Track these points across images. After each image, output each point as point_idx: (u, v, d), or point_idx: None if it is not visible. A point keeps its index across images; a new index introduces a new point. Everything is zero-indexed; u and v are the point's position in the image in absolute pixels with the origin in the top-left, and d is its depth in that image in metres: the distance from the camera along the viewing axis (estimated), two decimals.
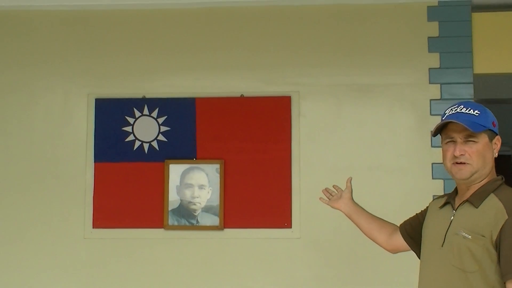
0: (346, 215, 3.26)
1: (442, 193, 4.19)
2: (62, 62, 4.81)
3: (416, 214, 3.08)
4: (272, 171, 4.64)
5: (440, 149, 4.09)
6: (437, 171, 4.49)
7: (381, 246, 3.17)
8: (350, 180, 3.30)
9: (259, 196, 4.61)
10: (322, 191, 3.34)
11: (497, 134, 2.78)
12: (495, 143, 2.76)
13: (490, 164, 2.74)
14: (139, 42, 4.80)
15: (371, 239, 3.20)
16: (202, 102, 4.72)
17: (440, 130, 2.80)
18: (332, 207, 3.28)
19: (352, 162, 4.55)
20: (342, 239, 4.51)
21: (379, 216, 3.25)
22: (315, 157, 4.64)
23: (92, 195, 4.70)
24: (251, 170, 4.65)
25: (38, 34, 4.86)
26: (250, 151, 4.66)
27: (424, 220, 2.93)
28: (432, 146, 4.51)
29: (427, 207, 2.99)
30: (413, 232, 3.00)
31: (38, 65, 4.81)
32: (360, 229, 3.22)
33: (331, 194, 3.31)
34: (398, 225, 3.12)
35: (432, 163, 4.52)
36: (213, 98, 4.73)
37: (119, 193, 4.69)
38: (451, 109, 2.79)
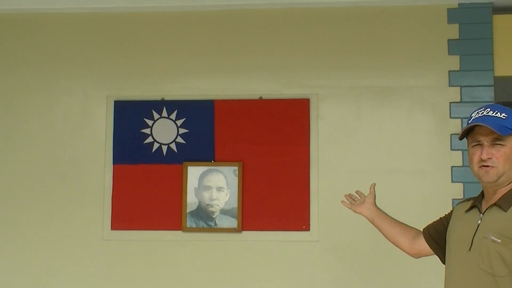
0: (369, 219, 3.23)
1: (461, 197, 4.30)
2: (82, 64, 4.84)
3: (440, 218, 3.05)
4: (291, 173, 4.63)
5: (460, 152, 4.40)
6: (456, 174, 4.48)
7: (404, 250, 3.14)
8: (373, 186, 3.27)
9: (277, 199, 4.61)
10: (345, 196, 3.32)
11: None
12: None
13: None
14: (159, 45, 4.82)
15: (394, 243, 3.17)
16: (220, 104, 4.73)
17: (467, 133, 2.77)
18: (354, 211, 3.27)
19: (371, 165, 4.54)
20: (361, 242, 4.50)
21: (398, 220, 3.23)
22: (333, 160, 4.63)
23: (111, 197, 4.73)
24: (270, 173, 4.65)
25: (57, 37, 4.89)
26: (269, 153, 4.66)
27: (448, 224, 2.89)
28: (451, 149, 4.50)
29: (451, 211, 2.95)
30: (437, 236, 2.97)
31: (59, 67, 4.85)
32: (383, 233, 3.19)
33: (353, 200, 3.30)
34: (421, 229, 3.11)
35: (452, 166, 4.50)
36: (231, 100, 4.73)
37: (138, 195, 4.70)
38: (478, 112, 2.75)
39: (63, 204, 4.73)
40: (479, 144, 2.72)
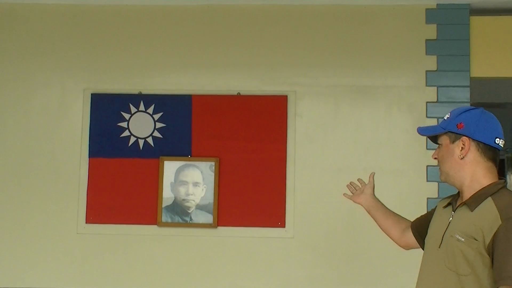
0: (365, 209, 3.29)
1: (436, 196, 4.34)
2: (59, 56, 4.80)
3: (427, 212, 3.09)
4: (267, 170, 4.64)
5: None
6: (431, 173, 4.50)
7: (394, 241, 3.19)
8: (373, 175, 3.33)
9: (253, 195, 4.62)
10: (347, 185, 3.38)
11: (464, 135, 2.72)
12: (462, 144, 2.71)
13: (463, 167, 2.71)
14: (137, 38, 4.79)
15: (386, 234, 3.21)
16: (198, 99, 4.72)
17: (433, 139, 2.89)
18: (353, 201, 3.32)
19: (348, 163, 4.56)
20: (336, 240, 4.54)
21: (393, 211, 3.27)
22: (311, 158, 4.64)
23: (86, 190, 4.70)
24: (246, 169, 4.66)
25: (35, 29, 4.84)
26: (246, 149, 4.66)
27: (431, 220, 2.93)
28: (427, 149, 4.51)
29: (436, 205, 2.97)
30: (422, 229, 2.98)
31: (35, 59, 4.80)
32: (377, 224, 3.24)
33: (355, 188, 3.35)
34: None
35: (427, 166, 4.52)
36: (209, 95, 4.72)
37: (113, 189, 4.68)
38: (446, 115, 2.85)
39: (37, 197, 4.70)
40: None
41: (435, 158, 2.80)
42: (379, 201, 3.27)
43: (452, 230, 2.67)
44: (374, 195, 3.29)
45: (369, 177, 3.32)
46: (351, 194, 3.35)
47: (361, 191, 3.31)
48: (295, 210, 4.59)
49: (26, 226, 4.68)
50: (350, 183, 3.38)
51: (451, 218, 2.73)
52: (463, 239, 2.59)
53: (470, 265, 2.58)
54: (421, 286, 2.77)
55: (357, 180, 3.36)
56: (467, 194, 2.70)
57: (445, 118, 2.78)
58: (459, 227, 2.64)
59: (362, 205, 3.29)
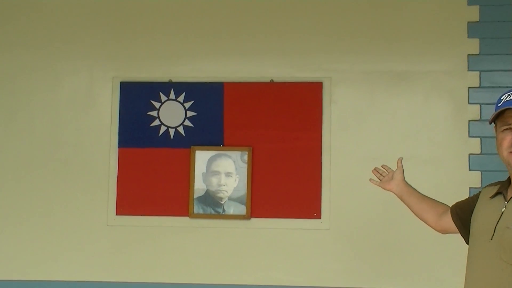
0: (397, 196, 3.20)
1: (479, 186, 4.23)
2: (88, 44, 4.77)
3: (468, 198, 2.97)
4: (302, 159, 4.57)
5: (478, 139, 4.39)
6: (474, 162, 4.41)
7: (430, 226, 3.09)
8: (401, 160, 3.24)
9: (287, 185, 4.55)
10: (372, 171, 3.31)
11: None
12: None
13: None
14: (167, 25, 4.73)
15: (421, 219, 3.12)
16: (230, 87, 4.65)
17: (496, 117, 2.68)
18: (383, 188, 3.24)
19: (385, 152, 4.43)
20: (373, 231, 4.47)
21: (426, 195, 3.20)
22: (346, 146, 4.57)
23: (116, 181, 4.67)
24: (280, 158, 4.59)
25: (64, 15, 4.81)
26: (279, 138, 4.60)
27: (474, 207, 2.81)
28: (469, 136, 4.42)
29: (479, 193, 2.86)
30: (463, 216, 2.88)
31: (63, 46, 4.77)
32: (411, 209, 3.15)
33: (381, 175, 3.27)
34: (450, 206, 3.05)
35: (469, 154, 4.42)
36: (241, 83, 4.65)
37: (144, 179, 4.65)
38: (508, 95, 2.64)
39: (66, 189, 4.67)
40: (510, 128, 2.63)
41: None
42: (411, 186, 3.18)
43: (507, 221, 2.57)
44: (404, 180, 3.19)
45: (397, 162, 3.23)
46: (378, 180, 3.27)
47: (390, 177, 3.23)
48: (331, 200, 4.52)
49: (55, 219, 4.65)
50: (375, 169, 3.31)
51: (504, 209, 2.62)
52: None
53: None
54: (472, 280, 2.67)
55: (382, 166, 3.29)
56: None
57: None
58: None
59: (393, 191, 3.20)
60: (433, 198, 3.15)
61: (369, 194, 4.32)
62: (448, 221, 2.98)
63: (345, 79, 4.60)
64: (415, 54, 4.54)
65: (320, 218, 4.52)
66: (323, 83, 4.60)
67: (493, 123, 2.73)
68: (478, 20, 4.47)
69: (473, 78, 4.45)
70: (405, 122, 4.52)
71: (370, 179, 3.29)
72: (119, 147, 4.69)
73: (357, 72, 4.58)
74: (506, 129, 2.64)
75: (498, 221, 2.59)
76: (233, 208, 4.58)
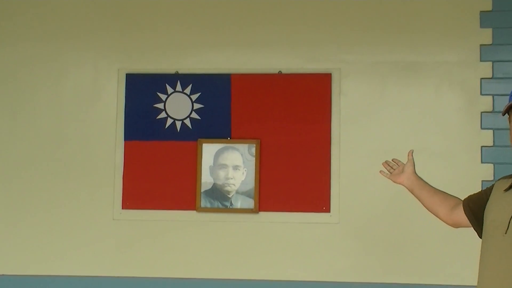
0: (408, 189, 3.16)
1: (492, 179, 4.18)
2: (92, 35, 4.71)
3: (481, 191, 2.93)
4: (311, 152, 4.52)
5: (491, 131, 4.34)
6: (486, 154, 4.35)
7: (442, 220, 3.04)
8: (411, 153, 3.19)
9: (296, 179, 4.50)
10: (382, 164, 3.26)
11: None
12: None
13: None
14: (173, 16, 4.68)
15: (432, 213, 3.08)
16: (238, 78, 4.60)
17: (510, 108, 2.66)
18: (394, 181, 3.19)
19: (395, 145, 4.36)
20: (383, 225, 4.42)
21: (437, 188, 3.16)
22: (356, 139, 4.51)
23: (122, 175, 4.62)
24: (288, 151, 4.54)
25: (68, 6, 4.75)
26: (288, 131, 4.54)
27: (488, 201, 2.76)
28: (482, 128, 4.36)
29: (492, 185, 2.81)
30: (476, 209, 2.84)
31: (68, 38, 4.72)
32: (422, 203, 3.11)
33: (392, 168, 3.23)
34: (462, 200, 3.00)
35: (482, 146, 4.36)
36: (249, 74, 4.59)
37: (150, 173, 4.61)
38: None
39: (71, 183, 4.63)
40: None
41: None
42: (422, 179, 3.13)
43: None
44: (415, 173, 3.14)
45: (408, 155, 3.19)
46: (388, 173, 3.22)
47: (400, 170, 3.18)
48: (340, 194, 4.46)
49: (60, 213, 4.61)
50: (385, 162, 3.26)
51: None
52: None
53: None
54: (486, 275, 2.62)
55: (392, 160, 3.25)
56: None
57: None
58: None
59: (403, 184, 3.16)
60: (445, 191, 3.10)
61: (379, 188, 4.29)
62: (460, 214, 2.92)
63: (354, 71, 4.53)
64: (426, 44, 4.48)
65: (329, 212, 4.47)
66: (332, 75, 4.53)
67: (506, 114, 2.69)
68: (490, 9, 4.40)
69: (486, 69, 4.37)
70: (416, 114, 4.46)
71: (380, 171, 3.25)
72: (125, 140, 4.64)
73: (366, 63, 4.51)
74: None
75: None
76: (240, 202, 4.53)
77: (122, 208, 4.60)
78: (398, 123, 4.46)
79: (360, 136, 4.51)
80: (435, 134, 4.42)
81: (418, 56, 4.48)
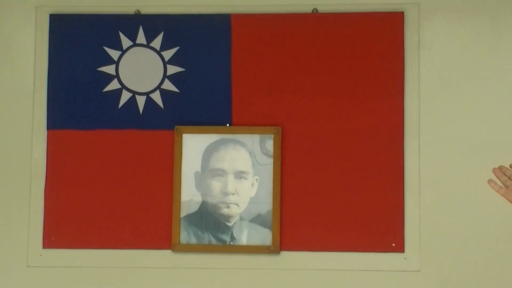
0: None
1: None
2: None
3: None
4: (368, 149, 3.44)
5: None
6: None
7: None
8: None
9: (343, 195, 3.43)
10: (493, 170, 2.84)
11: None
12: None
13: None
14: None
15: None
16: (241, 21, 3.56)
17: None
18: (507, 199, 2.80)
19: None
20: (491, 271, 3.40)
21: None
22: (446, 125, 3.46)
23: (44, 189, 3.52)
24: (330, 146, 3.45)
25: None
26: (328, 112, 3.46)
27: None
28: None
29: None
30: None
31: None
32: None
33: (509, 178, 2.81)
34: None
35: None
36: (262, 15, 3.52)
37: (92, 186, 3.60)
38: None
39: None
40: None
41: None
42: None
43: None
44: None
45: None
46: (503, 186, 2.82)
47: None
48: (421, 222, 3.44)
49: None
50: (498, 168, 2.83)
51: None
52: None
53: None
54: None
55: (510, 166, 2.84)
56: None
57: None
58: None
59: None
60: None
61: (485, 211, 3.43)
62: None
63: (443, 7, 3.50)
64: None
65: (402, 251, 3.44)
66: (405, 13, 3.48)
67: None
68: None
69: None
70: None
71: (490, 181, 2.85)
72: (48, 128, 3.57)
73: None
74: None
75: None
76: (248, 235, 3.46)
77: (44, 247, 3.56)
78: None
79: (452, 119, 3.46)
80: None
81: None
